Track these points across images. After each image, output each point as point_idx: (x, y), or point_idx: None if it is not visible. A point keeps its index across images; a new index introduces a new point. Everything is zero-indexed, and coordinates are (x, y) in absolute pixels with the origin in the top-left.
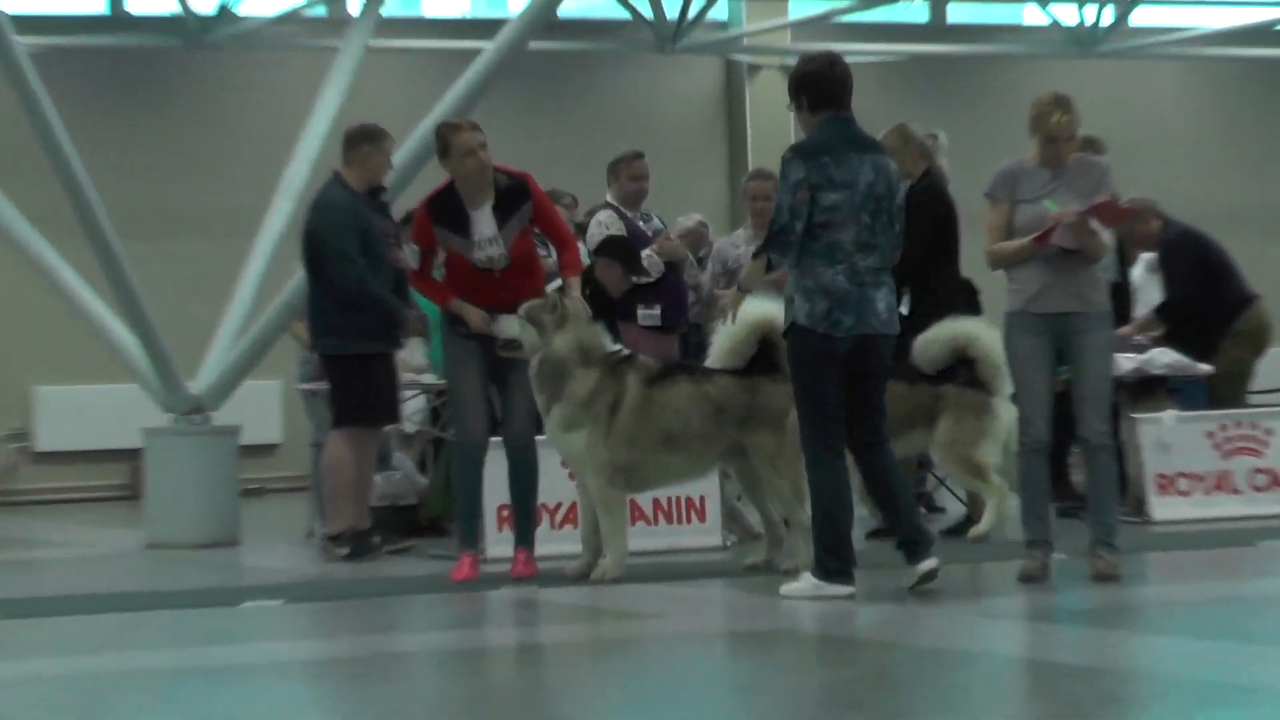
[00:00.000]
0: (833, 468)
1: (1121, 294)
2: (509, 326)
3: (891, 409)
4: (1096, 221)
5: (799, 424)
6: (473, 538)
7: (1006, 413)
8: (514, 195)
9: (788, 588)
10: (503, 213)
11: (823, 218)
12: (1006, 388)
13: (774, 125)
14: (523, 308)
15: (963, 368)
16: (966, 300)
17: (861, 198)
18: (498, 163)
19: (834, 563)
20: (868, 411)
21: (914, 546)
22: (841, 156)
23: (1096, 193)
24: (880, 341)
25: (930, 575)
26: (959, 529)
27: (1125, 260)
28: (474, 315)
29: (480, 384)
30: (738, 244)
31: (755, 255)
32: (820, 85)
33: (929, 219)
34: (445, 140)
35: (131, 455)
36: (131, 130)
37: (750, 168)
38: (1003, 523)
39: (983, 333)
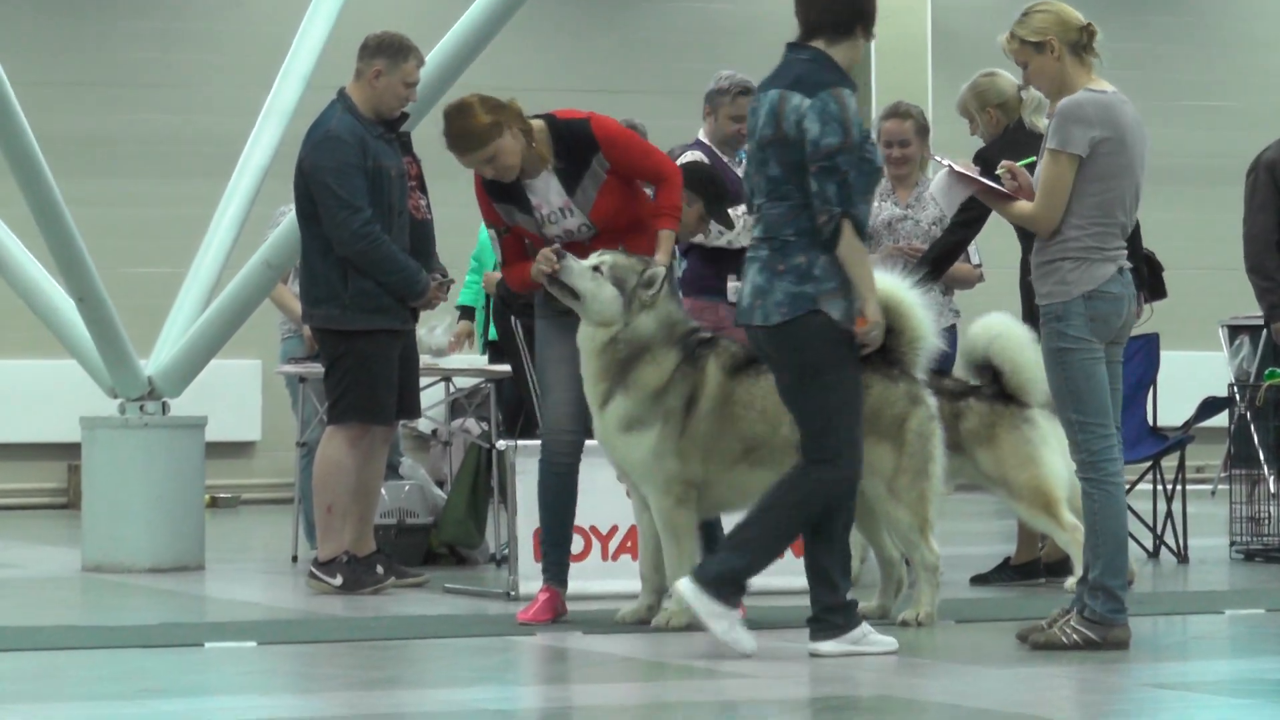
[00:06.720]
0: None
1: None
2: (578, 276)
3: None
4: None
5: None
6: (557, 568)
7: (1048, 425)
8: (577, 149)
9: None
10: (569, 174)
11: None
12: (1041, 398)
13: (907, 43)
14: (606, 260)
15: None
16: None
17: None
18: (555, 109)
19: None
20: None
21: None
22: None
23: None
24: None
25: None
26: (1001, 573)
27: None
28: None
29: (573, 369)
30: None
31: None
32: None
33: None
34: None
35: (69, 451)
36: (68, 38)
37: (874, 99)
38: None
39: (1007, 329)
